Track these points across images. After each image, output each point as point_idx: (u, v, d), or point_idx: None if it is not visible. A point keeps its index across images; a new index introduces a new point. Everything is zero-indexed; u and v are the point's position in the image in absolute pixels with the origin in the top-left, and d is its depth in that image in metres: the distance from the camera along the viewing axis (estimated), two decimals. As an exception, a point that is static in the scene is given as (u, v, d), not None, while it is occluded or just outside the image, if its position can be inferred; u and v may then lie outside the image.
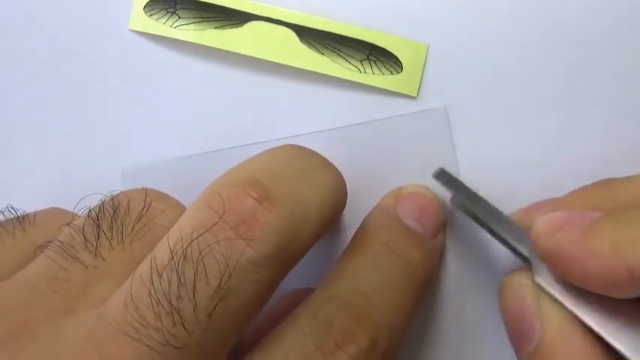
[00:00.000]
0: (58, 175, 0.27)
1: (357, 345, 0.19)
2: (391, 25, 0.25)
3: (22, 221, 0.21)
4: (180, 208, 0.21)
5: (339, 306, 0.20)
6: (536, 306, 0.21)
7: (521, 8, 0.25)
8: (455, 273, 0.25)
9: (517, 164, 0.25)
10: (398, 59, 0.25)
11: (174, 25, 0.26)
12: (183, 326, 0.16)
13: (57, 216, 0.22)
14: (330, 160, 0.25)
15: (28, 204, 0.22)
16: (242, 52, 0.26)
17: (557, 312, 0.20)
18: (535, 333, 0.20)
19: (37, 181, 0.27)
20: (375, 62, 0.25)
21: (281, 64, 0.26)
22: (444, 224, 0.24)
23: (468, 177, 0.25)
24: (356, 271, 0.21)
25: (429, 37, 0.25)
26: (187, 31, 0.26)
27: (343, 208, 0.23)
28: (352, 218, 0.25)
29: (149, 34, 0.26)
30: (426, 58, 0.25)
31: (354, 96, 0.26)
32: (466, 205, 0.23)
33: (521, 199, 0.24)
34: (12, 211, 0.21)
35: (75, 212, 0.22)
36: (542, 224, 0.21)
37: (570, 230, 0.20)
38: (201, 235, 0.17)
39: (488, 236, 0.23)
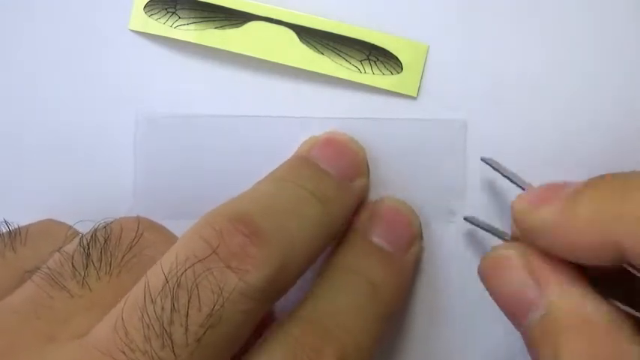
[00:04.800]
0: (56, 175, 0.27)
1: None
2: (391, 25, 0.25)
3: (13, 239, 0.21)
4: (171, 240, 0.21)
5: (307, 326, 0.20)
6: (530, 274, 0.21)
7: (522, 8, 0.25)
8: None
9: (518, 164, 0.25)
10: (398, 59, 0.25)
11: (174, 25, 0.26)
12: (172, 350, 0.17)
13: (49, 232, 0.22)
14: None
15: (27, 206, 0.22)
16: (242, 52, 0.26)
17: (559, 285, 0.20)
18: (535, 301, 0.20)
19: (35, 181, 0.27)
20: (375, 62, 0.26)
21: (281, 64, 0.26)
22: (417, 237, 0.25)
23: (469, 177, 0.25)
24: (323, 292, 0.22)
25: (429, 37, 0.25)
26: (187, 31, 0.26)
27: (336, 236, 0.23)
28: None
29: (149, 34, 0.26)
30: (426, 58, 0.25)
31: (354, 96, 0.26)
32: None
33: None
34: (5, 226, 0.21)
35: (69, 225, 0.22)
36: (522, 202, 0.21)
37: (551, 206, 0.20)
38: (194, 265, 0.18)
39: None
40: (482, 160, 0.24)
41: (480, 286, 0.22)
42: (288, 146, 0.24)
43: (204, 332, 0.17)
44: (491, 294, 0.22)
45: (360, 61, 0.26)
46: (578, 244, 0.19)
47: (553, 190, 0.20)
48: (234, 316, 0.18)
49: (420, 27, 0.25)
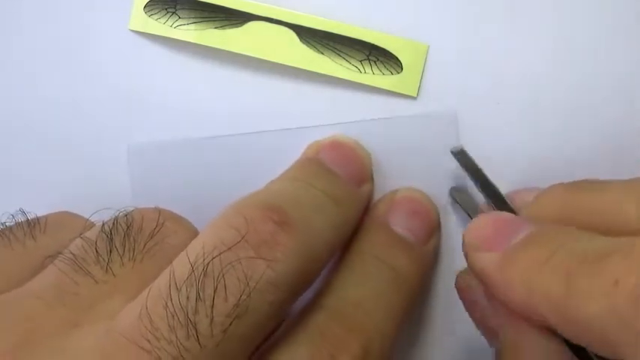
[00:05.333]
0: (58, 175, 0.27)
1: (350, 354, 0.19)
2: (391, 25, 0.26)
3: (32, 228, 0.21)
4: (192, 230, 0.21)
5: (331, 316, 0.20)
6: (491, 305, 0.21)
7: (522, 8, 0.25)
8: (448, 273, 0.25)
9: (518, 164, 0.25)
10: (398, 59, 0.25)
11: (174, 25, 0.26)
12: (198, 340, 0.16)
13: (68, 223, 0.22)
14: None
15: (33, 205, 0.22)
16: (242, 52, 0.26)
17: (512, 314, 0.20)
18: (495, 330, 0.21)
19: (37, 181, 0.27)
20: (375, 62, 0.26)
21: (281, 64, 0.26)
22: (436, 228, 0.25)
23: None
24: (346, 281, 0.22)
25: (429, 37, 0.25)
26: (187, 31, 0.26)
27: (346, 239, 0.23)
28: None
29: (149, 34, 0.26)
30: (426, 58, 0.25)
31: (354, 96, 0.26)
32: (464, 198, 0.23)
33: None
34: (23, 214, 0.21)
35: (85, 217, 0.22)
36: (470, 238, 0.21)
37: (492, 255, 0.20)
38: (223, 252, 0.18)
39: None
40: (452, 152, 0.23)
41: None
42: (282, 161, 0.24)
43: (230, 323, 0.17)
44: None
45: (360, 61, 0.26)
46: (510, 302, 0.19)
47: (502, 233, 0.20)
48: (261, 306, 0.17)
49: (420, 27, 0.25)
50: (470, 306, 0.22)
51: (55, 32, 0.27)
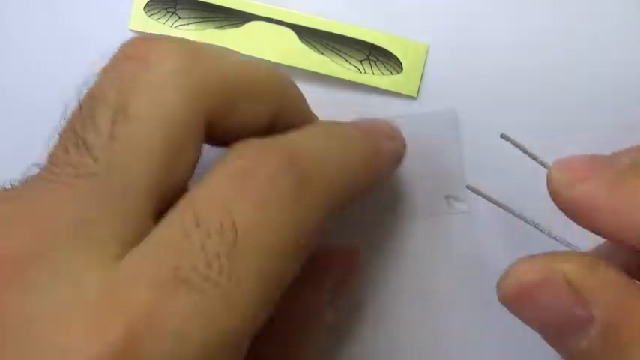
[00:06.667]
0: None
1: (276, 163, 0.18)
2: (391, 25, 0.26)
3: None
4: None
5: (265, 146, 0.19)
6: (576, 291, 0.18)
7: (521, 8, 0.25)
8: (447, 275, 0.25)
9: (518, 163, 0.25)
10: (398, 59, 0.25)
11: (174, 25, 0.26)
12: (89, 153, 0.17)
13: None
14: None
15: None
16: (242, 52, 0.26)
17: (610, 290, 0.18)
18: (585, 319, 0.18)
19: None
20: (375, 62, 0.26)
21: (281, 64, 0.26)
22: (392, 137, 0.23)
23: (469, 178, 0.25)
24: (299, 132, 0.20)
25: (429, 37, 0.25)
26: (187, 31, 0.26)
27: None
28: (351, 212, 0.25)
29: (149, 34, 0.26)
30: (426, 58, 0.25)
31: (354, 96, 0.26)
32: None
33: (524, 199, 0.24)
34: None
35: None
36: (561, 174, 0.19)
37: (595, 182, 0.18)
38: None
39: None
40: (502, 137, 0.22)
41: (479, 275, 0.22)
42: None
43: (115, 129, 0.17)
44: (525, 321, 0.19)
45: (360, 61, 0.26)
46: (627, 222, 0.18)
47: (599, 164, 0.19)
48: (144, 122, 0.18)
49: (420, 27, 0.25)
50: (532, 312, 0.18)
51: (55, 32, 0.27)
